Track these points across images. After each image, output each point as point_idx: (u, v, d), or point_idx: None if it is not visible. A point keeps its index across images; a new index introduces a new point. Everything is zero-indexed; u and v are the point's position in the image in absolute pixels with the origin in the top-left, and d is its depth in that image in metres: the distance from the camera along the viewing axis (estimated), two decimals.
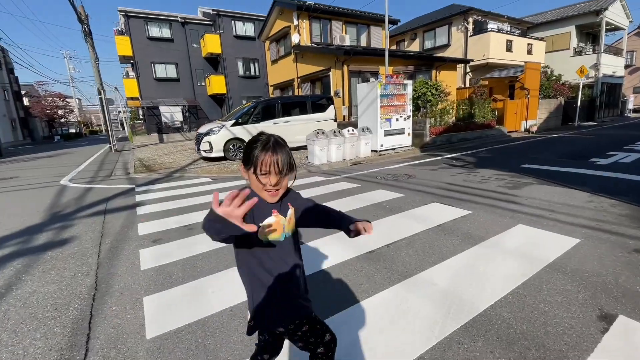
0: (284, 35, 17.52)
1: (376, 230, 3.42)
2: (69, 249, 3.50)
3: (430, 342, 1.80)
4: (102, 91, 15.65)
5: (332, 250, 3.02)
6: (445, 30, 18.39)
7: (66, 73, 51.05)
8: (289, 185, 1.17)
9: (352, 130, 9.06)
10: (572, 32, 19.39)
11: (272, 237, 1.07)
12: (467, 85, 17.66)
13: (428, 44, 19.43)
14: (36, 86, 39.00)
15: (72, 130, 41.93)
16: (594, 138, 10.79)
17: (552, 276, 2.40)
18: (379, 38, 17.63)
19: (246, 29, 23.28)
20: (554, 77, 16.41)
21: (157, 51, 21.92)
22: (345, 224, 1.19)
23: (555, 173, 5.79)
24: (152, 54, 21.79)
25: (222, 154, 9.60)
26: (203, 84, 23.84)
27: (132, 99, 22.80)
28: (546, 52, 19.72)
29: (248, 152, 1.09)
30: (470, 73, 18.17)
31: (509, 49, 17.69)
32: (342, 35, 16.41)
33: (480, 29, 17.45)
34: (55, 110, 37.41)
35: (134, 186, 6.90)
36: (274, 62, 19.08)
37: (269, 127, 10.24)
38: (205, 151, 9.57)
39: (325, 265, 2.78)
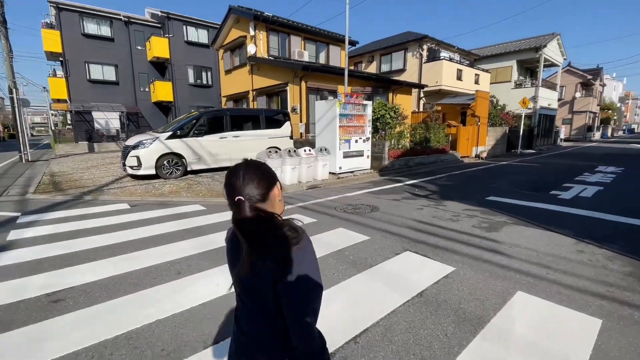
0: (239, 45, 16.40)
1: (340, 306, 2.44)
2: None
3: None
4: (14, 90, 13.04)
5: None
6: (402, 55, 18.65)
7: None
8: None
9: (309, 151, 8.12)
10: (514, 66, 20.87)
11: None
12: (421, 109, 17.88)
13: (385, 67, 19.55)
14: None
15: None
16: (541, 167, 11.06)
17: None
18: (338, 57, 17.27)
19: (199, 35, 21.70)
20: (499, 107, 17.25)
21: (93, 50, 19.36)
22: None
23: (524, 209, 5.31)
24: (87, 52, 19.19)
25: (153, 171, 8.04)
26: (147, 89, 21.56)
27: (58, 101, 19.75)
28: (490, 83, 20.92)
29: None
30: (423, 98, 18.49)
31: (459, 78, 18.36)
32: (301, 51, 15.74)
33: (433, 56, 17.92)
34: None
35: (19, 214, 5.16)
36: (227, 72, 17.79)
37: (214, 141, 8.91)
38: (132, 167, 7.94)
39: None
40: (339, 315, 2.31)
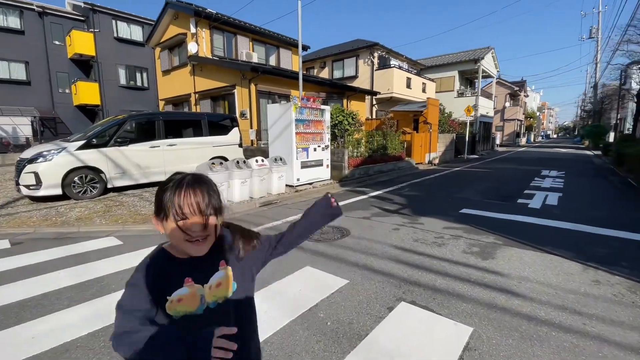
0: (178, 43, 14.63)
1: None
2: None
3: None
4: None
5: None
6: (353, 62, 18.32)
7: None
8: (219, 231, 0.88)
9: (262, 161, 6.95)
10: (456, 76, 21.83)
11: (183, 309, 0.81)
12: (374, 116, 17.66)
13: (337, 74, 19.08)
14: None
15: None
16: (493, 172, 11.17)
17: None
18: (289, 61, 16.33)
19: (132, 31, 19.25)
20: (446, 114, 17.69)
21: None
22: (318, 212, 1.17)
23: (505, 224, 4.77)
24: None
25: (59, 191, 6.23)
26: (68, 91, 18.46)
27: None
28: (436, 92, 21.61)
29: (159, 197, 0.85)
30: (376, 105, 18.33)
31: (408, 86, 18.55)
32: (249, 53, 14.48)
33: (384, 64, 17.86)
34: None
35: None
36: (165, 72, 15.82)
37: (144, 151, 7.30)
38: (28, 187, 6.06)
39: None
40: None
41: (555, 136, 78.97)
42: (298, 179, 7.60)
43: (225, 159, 8.55)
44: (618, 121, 31.97)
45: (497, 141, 26.32)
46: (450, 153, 16.98)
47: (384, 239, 4.06)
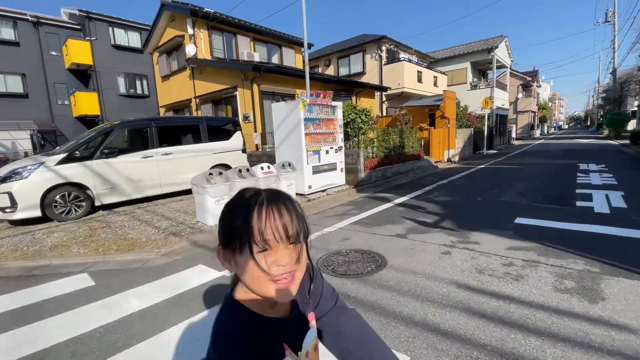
0: (176, 46, 13.84)
1: None
2: None
3: None
4: None
5: None
6: (360, 57, 17.30)
7: None
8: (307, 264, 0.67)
9: (268, 168, 6.00)
10: (468, 68, 20.61)
11: None
12: (385, 113, 16.61)
13: (343, 71, 18.08)
14: None
15: None
16: (524, 169, 10.01)
17: None
18: (292, 60, 15.41)
19: (130, 38, 18.56)
20: (462, 108, 16.54)
21: None
22: None
23: (582, 237, 3.71)
24: None
25: (38, 213, 5.35)
26: (67, 102, 17.84)
27: None
28: (447, 86, 20.43)
29: (228, 222, 0.63)
30: (386, 102, 17.27)
31: (419, 80, 17.45)
32: (251, 53, 13.59)
33: (393, 58, 16.80)
34: None
35: None
36: (165, 78, 15.06)
37: (135, 163, 6.41)
38: (3, 210, 5.20)
39: None
40: None
41: (566, 127, 76.58)
42: (310, 186, 6.62)
43: (228, 167, 7.66)
44: (637, 108, 30.25)
45: (513, 134, 24.98)
46: (469, 149, 15.83)
47: (436, 269, 3.04)
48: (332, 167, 7.15)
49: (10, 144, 16.06)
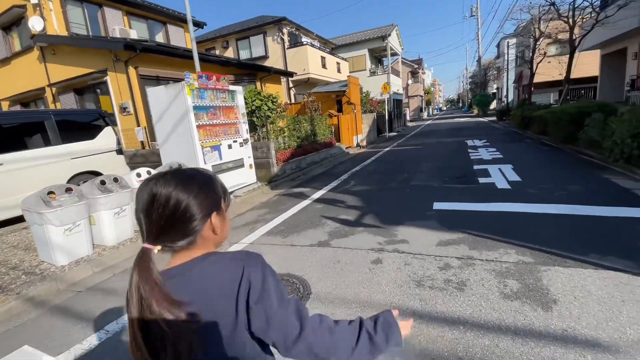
0: (16, 19, 10.34)
1: None
2: None
3: None
4: None
5: None
6: (261, 39, 15.99)
7: None
8: None
9: (149, 174, 4.58)
10: (367, 55, 21.33)
11: None
12: (293, 101, 15.88)
13: (244, 54, 16.52)
14: None
15: None
16: (424, 148, 10.60)
17: None
18: (182, 41, 13.21)
19: None
20: (364, 94, 16.98)
21: None
22: None
23: (497, 219, 3.62)
24: None
25: None
26: None
27: None
28: (350, 72, 20.82)
29: (218, 186, 0.72)
30: (293, 88, 16.52)
31: (324, 66, 17.17)
32: (125, 30, 10.98)
33: (295, 42, 16.03)
34: None
35: None
36: (4, 62, 11.20)
37: None
38: None
39: None
40: None
41: (444, 108, 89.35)
42: None
43: (98, 174, 5.87)
44: (496, 90, 36.74)
45: (408, 117, 27.38)
46: (374, 133, 16.39)
47: (371, 290, 2.40)
48: (238, 164, 6.04)
49: None
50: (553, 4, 10.06)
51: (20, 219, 5.19)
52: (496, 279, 2.39)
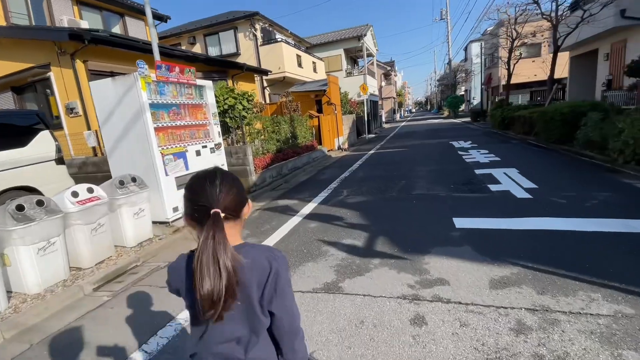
0: None
1: None
2: None
3: None
4: None
5: None
6: (232, 35, 14.75)
7: None
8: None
9: (90, 192, 3.43)
10: (342, 55, 20.64)
11: None
12: (269, 101, 14.79)
13: (213, 51, 15.19)
14: None
15: None
16: (409, 151, 9.98)
17: None
18: (142, 35, 11.69)
19: None
20: (343, 94, 16.24)
21: None
22: None
23: (547, 241, 2.89)
24: None
25: None
26: None
27: None
28: (326, 72, 20.03)
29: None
30: (268, 88, 15.41)
31: (299, 65, 16.22)
32: (74, 20, 9.41)
33: (269, 38, 14.95)
34: None
35: None
36: None
37: None
38: None
39: None
40: None
41: (414, 110, 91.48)
42: (176, 209, 4.30)
43: (34, 191, 4.62)
44: (464, 92, 37.62)
45: (383, 119, 27.09)
46: (354, 135, 15.68)
47: None
48: None
49: None
50: (537, 2, 9.86)
51: None
52: (607, 350, 1.59)
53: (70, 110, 7.61)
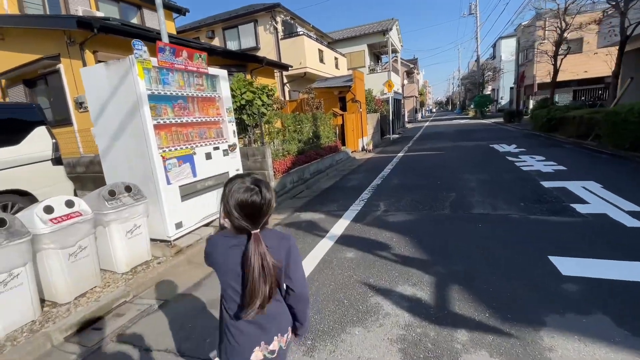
0: None
1: None
2: None
3: None
4: None
5: None
6: (251, 29, 14.00)
7: None
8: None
9: (69, 207, 2.64)
10: (366, 51, 19.55)
11: None
12: (288, 97, 13.96)
13: (232, 45, 14.49)
14: None
15: None
16: (444, 155, 8.87)
17: None
18: (158, 27, 11.10)
19: None
20: (367, 91, 15.20)
21: None
22: None
23: None
24: None
25: None
26: None
27: None
28: (348, 69, 19.01)
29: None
30: (288, 84, 14.58)
31: (321, 60, 15.30)
32: (90, 11, 8.88)
33: (290, 32, 14.09)
34: None
35: None
36: None
37: None
38: None
39: None
40: None
41: (434, 110, 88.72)
42: (179, 224, 3.48)
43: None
44: (491, 91, 35.60)
45: (405, 118, 25.78)
46: (377, 135, 14.63)
47: None
48: (220, 182, 4.13)
49: None
50: None
51: None
52: None
53: (79, 104, 7.04)
